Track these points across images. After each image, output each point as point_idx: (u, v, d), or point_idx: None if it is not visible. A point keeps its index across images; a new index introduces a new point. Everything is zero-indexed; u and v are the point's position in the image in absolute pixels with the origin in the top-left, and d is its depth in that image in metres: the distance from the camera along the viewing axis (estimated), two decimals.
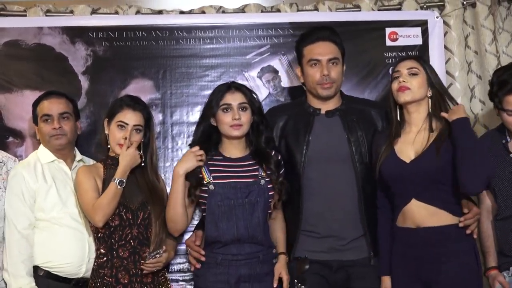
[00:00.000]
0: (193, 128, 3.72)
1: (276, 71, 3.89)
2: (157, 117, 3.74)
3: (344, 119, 3.31)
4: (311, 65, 3.30)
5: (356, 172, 3.23)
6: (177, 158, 3.75)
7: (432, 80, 3.11)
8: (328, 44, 3.31)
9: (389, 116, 3.24)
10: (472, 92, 4.02)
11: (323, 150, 3.25)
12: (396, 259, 3.10)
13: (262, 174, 3.15)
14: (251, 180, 3.13)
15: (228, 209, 3.06)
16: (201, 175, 3.13)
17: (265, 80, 3.88)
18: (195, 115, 3.83)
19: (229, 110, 3.14)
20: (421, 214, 3.02)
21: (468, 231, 3.01)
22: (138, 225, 3.16)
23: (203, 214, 3.18)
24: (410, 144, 3.11)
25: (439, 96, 3.11)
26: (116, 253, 3.13)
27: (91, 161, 3.51)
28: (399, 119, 3.15)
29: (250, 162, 3.19)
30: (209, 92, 3.70)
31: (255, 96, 3.24)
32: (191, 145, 3.24)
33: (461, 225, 3.00)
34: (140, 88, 3.79)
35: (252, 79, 3.85)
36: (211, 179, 3.10)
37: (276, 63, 3.90)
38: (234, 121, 3.12)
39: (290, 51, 3.83)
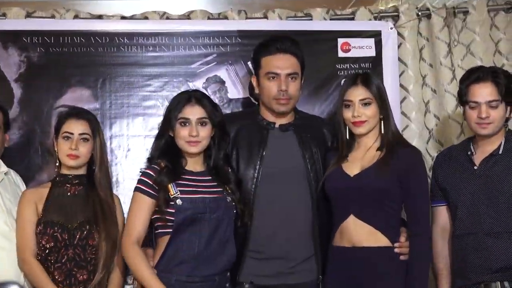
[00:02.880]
0: (133, 141, 4.01)
1: (222, 82, 4.07)
2: None
3: (298, 135, 3.42)
4: (268, 78, 3.38)
5: (311, 190, 3.36)
6: (116, 173, 3.91)
7: (383, 103, 3.27)
8: (288, 58, 3.39)
9: (337, 133, 3.39)
10: (426, 106, 4.21)
11: (278, 166, 3.36)
12: (331, 279, 3.29)
13: (227, 190, 3.24)
14: (218, 195, 3.20)
15: (192, 224, 3.12)
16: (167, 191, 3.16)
17: (211, 91, 4.04)
18: (136, 127, 3.99)
19: (187, 124, 3.19)
20: (358, 232, 3.18)
21: (402, 258, 3.18)
22: (74, 245, 3.26)
23: (157, 231, 3.20)
24: (358, 160, 3.29)
25: (389, 113, 3.32)
26: (52, 277, 3.23)
27: (18, 177, 3.60)
28: (347, 138, 3.33)
29: (212, 177, 3.26)
30: (151, 103, 4.06)
31: (217, 109, 3.27)
32: (150, 160, 3.27)
33: (396, 250, 3.18)
34: (78, 98, 3.93)
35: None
36: (178, 193, 3.13)
37: (223, 73, 4.07)
38: (191, 137, 3.18)
39: (237, 61, 4.05)
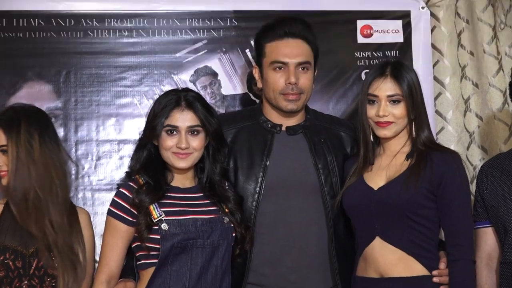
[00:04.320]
0: (104, 147, 3.88)
1: (214, 74, 3.96)
2: (58, 132, 3.53)
3: (310, 139, 3.38)
4: (274, 69, 3.33)
5: (325, 207, 3.29)
6: (83, 187, 3.81)
7: (416, 101, 3.21)
8: (299, 43, 3.34)
9: (357, 137, 3.34)
10: (466, 104, 4.13)
11: (285, 178, 3.31)
12: None
13: (224, 209, 3.19)
14: (212, 216, 3.15)
15: (182, 253, 3.07)
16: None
17: (200, 85, 3.93)
18: (107, 130, 3.87)
19: (174, 133, 3.15)
20: (385, 258, 3.11)
21: None
22: (30, 275, 3.15)
23: (139, 262, 3.14)
24: (384, 169, 3.23)
25: (422, 114, 3.24)
26: None
27: None
28: (372, 140, 3.27)
29: (204, 194, 3.23)
30: (126, 100, 3.92)
31: (213, 115, 3.22)
32: (129, 175, 3.23)
33: (435, 279, 3.10)
34: (35, 94, 3.81)
35: (183, 84, 3.87)
36: (163, 215, 3.08)
37: (215, 63, 3.95)
38: (179, 149, 3.13)
39: (233, 49, 3.93)
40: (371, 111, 3.22)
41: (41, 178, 3.19)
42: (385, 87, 3.20)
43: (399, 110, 3.19)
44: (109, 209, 3.13)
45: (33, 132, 3.22)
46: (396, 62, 3.36)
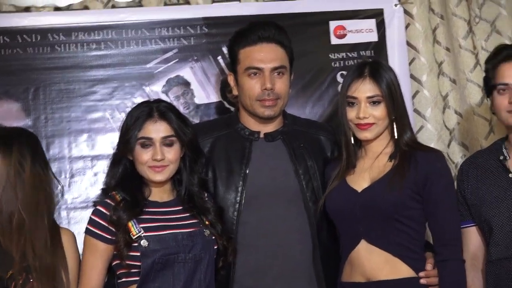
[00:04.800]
0: (78, 164, 3.89)
1: (187, 84, 3.96)
2: None
3: (289, 145, 3.38)
4: (249, 75, 3.33)
5: (308, 214, 3.30)
6: (57, 206, 3.66)
7: (396, 101, 3.21)
8: (273, 48, 3.35)
9: (338, 140, 3.36)
10: (445, 101, 4.15)
11: (266, 186, 3.32)
12: None
13: (204, 221, 3.19)
14: (192, 229, 3.14)
15: (164, 269, 3.06)
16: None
17: (173, 95, 3.93)
18: (80, 147, 3.86)
19: (148, 145, 3.14)
20: (372, 262, 3.11)
21: None
22: None
23: (119, 280, 3.13)
24: (366, 171, 3.23)
25: (403, 113, 3.25)
26: None
27: None
28: (353, 143, 3.27)
29: (183, 207, 3.23)
30: (98, 115, 3.93)
31: (187, 124, 3.23)
32: (105, 192, 3.22)
33: (422, 281, 3.10)
34: (4, 113, 3.82)
35: (155, 95, 3.87)
36: (142, 231, 3.07)
37: (187, 72, 3.96)
38: (155, 161, 3.12)
39: (205, 56, 3.93)
40: (351, 113, 3.21)
41: (27, 200, 3.17)
42: (364, 89, 3.19)
43: (380, 111, 3.19)
44: (87, 228, 3.12)
45: (25, 153, 3.20)
46: (374, 62, 3.37)
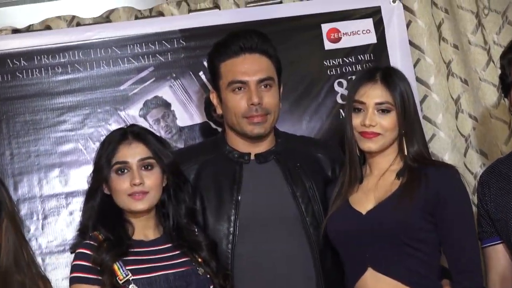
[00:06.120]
0: (51, 204, 3.86)
1: (167, 105, 3.95)
2: None
3: (283, 166, 3.38)
4: (233, 90, 3.34)
5: (310, 241, 3.29)
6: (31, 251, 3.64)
7: (409, 111, 3.21)
8: (257, 58, 3.37)
9: (339, 157, 3.38)
10: (457, 104, 4.14)
11: (261, 213, 3.31)
12: None
13: (197, 259, 3.18)
14: (185, 268, 3.14)
15: None
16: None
17: (152, 119, 3.92)
18: (52, 183, 3.84)
19: (125, 171, 3.14)
20: None
21: None
22: None
23: None
24: (371, 191, 3.22)
25: (415, 127, 3.24)
26: None
27: None
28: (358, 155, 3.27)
29: (173, 244, 3.23)
30: (69, 146, 3.91)
31: (165, 145, 3.25)
32: (82, 232, 3.21)
33: None
34: None
35: (132, 120, 3.86)
36: (129, 275, 3.07)
37: (166, 92, 3.95)
38: (133, 187, 3.12)
39: (184, 73, 3.93)
40: (356, 120, 3.21)
41: (12, 255, 3.16)
42: (374, 94, 3.19)
43: (388, 120, 3.18)
44: (72, 277, 3.09)
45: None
46: (388, 67, 3.38)
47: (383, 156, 3.24)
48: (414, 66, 4.13)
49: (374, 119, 3.17)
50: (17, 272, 3.16)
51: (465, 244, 3.12)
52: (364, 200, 3.21)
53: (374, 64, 3.97)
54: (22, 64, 3.88)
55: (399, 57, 4.07)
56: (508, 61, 3.23)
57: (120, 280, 3.04)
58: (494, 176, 3.35)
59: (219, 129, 3.83)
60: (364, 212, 3.17)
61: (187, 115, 3.97)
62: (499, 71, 3.31)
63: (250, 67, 3.32)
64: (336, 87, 4.01)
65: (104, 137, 3.52)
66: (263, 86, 3.32)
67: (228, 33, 3.47)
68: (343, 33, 4.07)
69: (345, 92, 3.79)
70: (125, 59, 3.95)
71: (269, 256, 3.27)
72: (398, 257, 3.10)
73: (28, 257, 3.20)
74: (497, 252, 3.31)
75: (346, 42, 4.07)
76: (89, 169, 3.48)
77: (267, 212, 3.31)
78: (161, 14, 4.06)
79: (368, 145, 3.19)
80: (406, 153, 3.21)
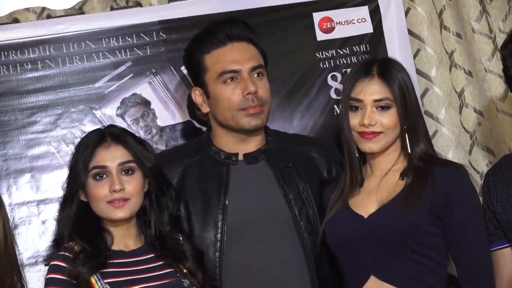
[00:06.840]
0: (21, 212, 3.84)
1: (146, 103, 3.94)
2: None
3: (274, 166, 3.37)
4: (224, 81, 3.33)
5: (304, 247, 3.28)
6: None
7: (410, 105, 3.20)
8: (245, 46, 3.38)
9: (335, 156, 3.40)
10: (461, 98, 4.14)
11: (250, 218, 3.32)
12: None
13: (182, 269, 3.18)
14: (169, 280, 3.14)
15: None
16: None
17: (130, 119, 3.91)
18: (22, 190, 3.83)
19: (103, 176, 3.13)
20: None
21: None
22: None
23: None
24: (373, 193, 3.20)
25: (417, 122, 3.23)
26: None
27: None
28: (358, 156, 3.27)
29: (155, 254, 3.24)
30: (41, 149, 3.90)
31: (147, 148, 3.25)
32: (57, 243, 3.20)
33: None
34: None
35: (109, 120, 3.86)
36: None
37: (145, 89, 3.94)
38: (113, 194, 3.11)
39: (164, 67, 3.94)
40: (354, 119, 3.21)
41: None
42: (371, 90, 3.19)
43: (389, 118, 3.18)
44: None
45: None
46: (383, 59, 3.41)
47: (385, 155, 3.24)
48: (414, 57, 4.14)
49: (373, 118, 3.17)
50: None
51: (475, 249, 3.13)
52: (366, 203, 3.21)
53: (371, 56, 3.99)
54: None
55: (397, 48, 4.08)
56: (509, 52, 3.24)
57: None
58: (501, 174, 3.34)
59: (204, 129, 3.82)
60: (365, 216, 3.16)
61: (168, 113, 3.98)
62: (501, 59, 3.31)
63: (240, 55, 3.34)
64: (330, 81, 4.01)
65: (78, 139, 3.59)
66: (255, 75, 3.33)
67: (209, 22, 3.50)
68: (337, 22, 4.08)
69: (339, 87, 3.86)
70: (100, 53, 3.94)
71: (260, 264, 3.27)
72: (403, 264, 3.11)
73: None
74: (505, 256, 3.29)
75: (339, 32, 4.08)
76: (62, 173, 3.56)
77: (257, 217, 3.31)
78: (138, 4, 4.05)
79: (369, 146, 3.19)
80: (410, 151, 3.21)
